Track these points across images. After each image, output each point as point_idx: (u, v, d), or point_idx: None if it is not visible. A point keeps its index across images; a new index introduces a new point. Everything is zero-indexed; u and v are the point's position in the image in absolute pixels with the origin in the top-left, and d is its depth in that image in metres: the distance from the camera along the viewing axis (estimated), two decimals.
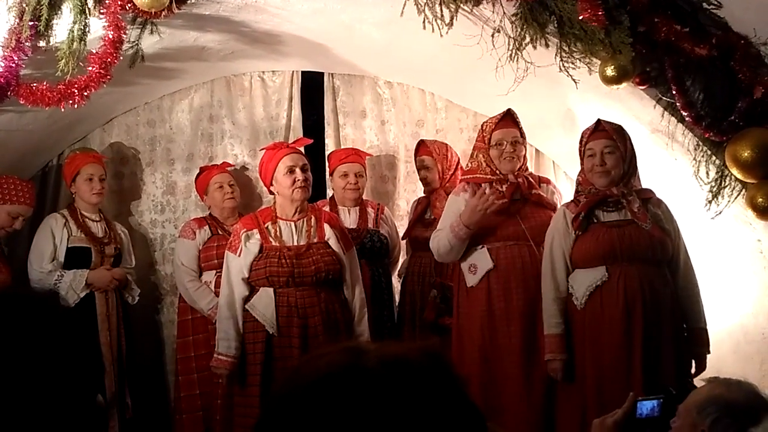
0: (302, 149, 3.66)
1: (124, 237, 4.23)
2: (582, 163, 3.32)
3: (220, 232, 4.14)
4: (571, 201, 3.37)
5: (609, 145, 3.23)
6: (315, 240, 3.44)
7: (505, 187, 3.46)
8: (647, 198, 3.29)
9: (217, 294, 3.84)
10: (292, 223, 3.46)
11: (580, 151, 3.32)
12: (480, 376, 3.38)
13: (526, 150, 3.59)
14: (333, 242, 3.46)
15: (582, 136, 3.33)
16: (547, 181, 3.72)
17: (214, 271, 4.02)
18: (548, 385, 3.35)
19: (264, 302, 3.36)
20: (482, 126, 3.60)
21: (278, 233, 3.42)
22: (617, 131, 3.26)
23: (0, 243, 3.90)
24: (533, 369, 3.37)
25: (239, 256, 3.40)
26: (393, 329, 3.98)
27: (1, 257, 3.82)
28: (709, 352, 3.26)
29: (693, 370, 3.23)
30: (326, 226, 3.49)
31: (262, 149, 3.71)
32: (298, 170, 3.41)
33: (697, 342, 3.25)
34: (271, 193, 3.57)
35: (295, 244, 3.42)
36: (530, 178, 3.55)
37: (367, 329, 3.51)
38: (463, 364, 3.37)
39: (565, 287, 3.27)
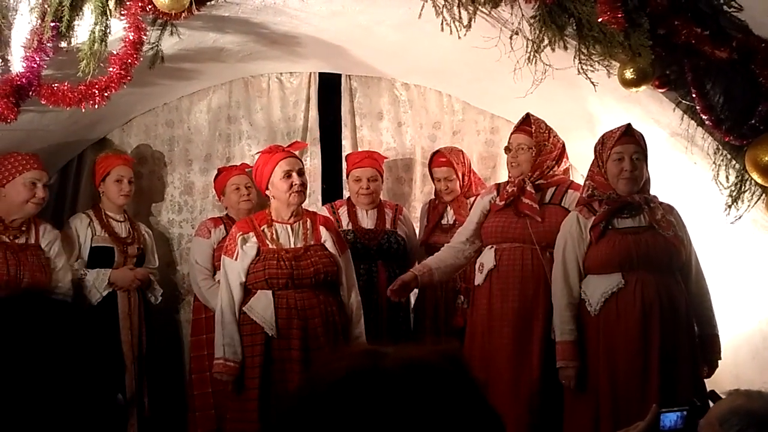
0: (299, 152, 3.68)
1: (147, 237, 4.27)
2: (602, 166, 3.25)
3: None
4: (583, 206, 3.30)
5: (638, 151, 3.20)
6: (312, 242, 3.45)
7: (510, 191, 3.50)
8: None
9: None
10: (288, 226, 3.46)
11: (602, 153, 3.25)
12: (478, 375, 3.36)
13: (540, 156, 3.50)
14: (329, 244, 3.47)
15: (605, 139, 3.27)
16: (578, 187, 3.61)
17: None
18: (536, 391, 3.32)
19: (263, 304, 3.35)
20: None
21: (275, 236, 3.42)
22: (643, 139, 3.24)
23: (39, 248, 3.79)
24: (522, 372, 3.35)
25: (236, 260, 3.40)
26: (408, 333, 3.97)
27: (40, 265, 3.74)
28: (720, 359, 3.23)
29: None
30: (322, 229, 3.50)
31: (257, 153, 3.71)
32: (294, 174, 3.41)
33: (709, 348, 3.22)
34: (266, 196, 3.56)
35: (292, 246, 3.42)
36: (528, 188, 3.48)
37: (363, 331, 3.50)
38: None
39: (578, 293, 3.24)
